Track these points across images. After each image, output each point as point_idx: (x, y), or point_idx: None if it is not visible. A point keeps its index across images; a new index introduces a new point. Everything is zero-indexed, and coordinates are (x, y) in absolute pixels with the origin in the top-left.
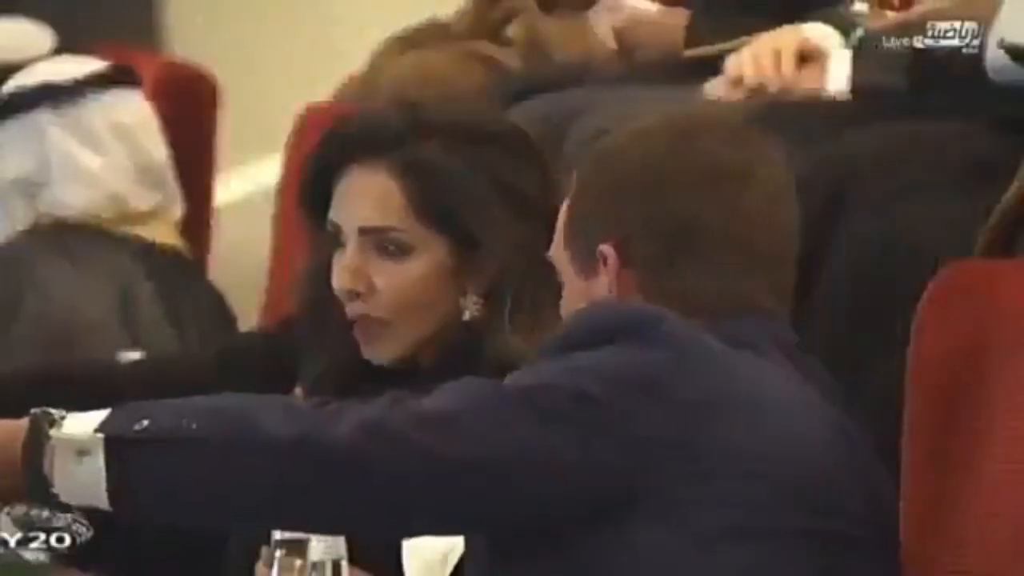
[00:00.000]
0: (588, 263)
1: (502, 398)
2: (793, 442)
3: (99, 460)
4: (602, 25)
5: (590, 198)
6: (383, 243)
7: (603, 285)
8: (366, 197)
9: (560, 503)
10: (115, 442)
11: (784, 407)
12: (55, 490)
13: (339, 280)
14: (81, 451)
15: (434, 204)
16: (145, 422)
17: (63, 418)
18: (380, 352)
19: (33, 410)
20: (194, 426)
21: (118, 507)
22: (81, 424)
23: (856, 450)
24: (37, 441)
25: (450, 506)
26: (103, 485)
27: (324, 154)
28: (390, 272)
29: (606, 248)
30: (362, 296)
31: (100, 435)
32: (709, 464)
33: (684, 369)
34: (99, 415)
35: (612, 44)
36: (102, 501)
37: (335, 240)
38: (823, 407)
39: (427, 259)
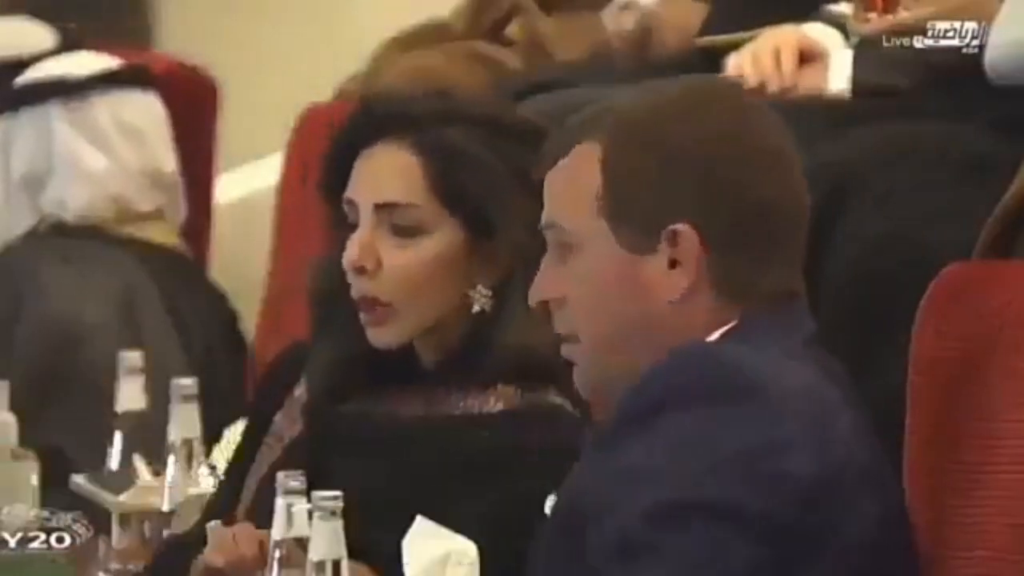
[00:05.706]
0: (645, 238)
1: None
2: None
3: None
4: (615, 24)
5: (640, 172)
6: (397, 220)
7: (657, 263)
8: (386, 172)
9: None
10: None
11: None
12: None
13: (348, 254)
14: None
15: (453, 185)
16: None
17: None
18: (384, 337)
19: None
20: None
21: None
22: None
23: (875, 455)
24: None
25: None
26: None
27: (350, 130)
28: (400, 251)
29: (683, 228)
30: (368, 273)
31: None
32: (827, 542)
33: (801, 445)
34: None
35: (623, 43)
36: None
37: (349, 221)
38: (853, 414)
39: (439, 242)
